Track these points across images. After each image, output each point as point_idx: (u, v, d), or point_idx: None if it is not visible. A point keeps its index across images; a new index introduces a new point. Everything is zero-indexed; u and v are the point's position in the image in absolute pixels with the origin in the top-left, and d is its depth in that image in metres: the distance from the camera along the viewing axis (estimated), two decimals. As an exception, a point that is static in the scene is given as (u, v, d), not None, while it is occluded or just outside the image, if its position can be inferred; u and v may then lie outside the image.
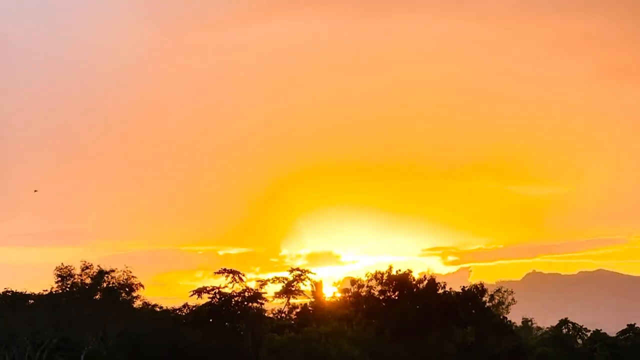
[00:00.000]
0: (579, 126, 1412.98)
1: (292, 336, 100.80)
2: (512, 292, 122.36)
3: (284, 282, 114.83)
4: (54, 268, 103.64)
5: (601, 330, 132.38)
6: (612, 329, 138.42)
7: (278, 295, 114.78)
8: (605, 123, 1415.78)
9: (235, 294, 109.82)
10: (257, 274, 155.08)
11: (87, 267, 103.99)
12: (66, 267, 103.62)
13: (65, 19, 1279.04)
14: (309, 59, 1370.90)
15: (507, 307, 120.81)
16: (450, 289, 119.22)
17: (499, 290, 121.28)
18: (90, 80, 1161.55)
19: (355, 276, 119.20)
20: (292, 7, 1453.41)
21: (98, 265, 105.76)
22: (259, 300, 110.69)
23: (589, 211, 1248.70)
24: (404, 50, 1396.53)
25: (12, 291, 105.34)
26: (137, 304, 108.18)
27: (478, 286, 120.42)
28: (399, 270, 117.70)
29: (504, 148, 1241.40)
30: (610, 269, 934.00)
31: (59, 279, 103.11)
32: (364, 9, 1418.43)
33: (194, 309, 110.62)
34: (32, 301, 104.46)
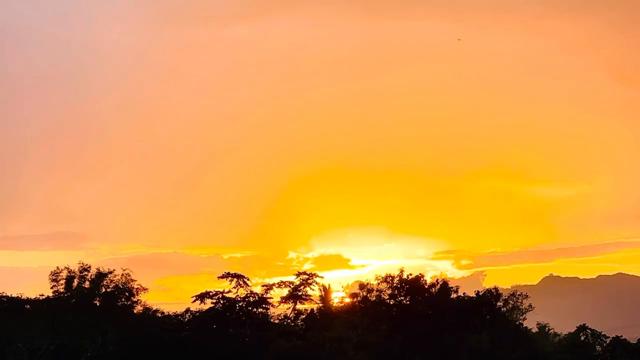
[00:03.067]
0: (596, 127, 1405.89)
1: (296, 343, 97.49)
2: (526, 296, 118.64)
3: (290, 286, 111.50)
4: (49, 272, 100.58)
5: (621, 336, 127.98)
6: (633, 335, 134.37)
7: (284, 300, 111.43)
8: (624, 123, 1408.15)
9: (239, 298, 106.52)
10: (263, 278, 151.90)
11: (85, 270, 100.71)
12: (62, 270, 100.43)
13: (67, 16, 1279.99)
14: (317, 58, 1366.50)
15: (524, 313, 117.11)
16: (464, 293, 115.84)
17: (513, 295, 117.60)
18: (92, 80, 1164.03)
19: (365, 280, 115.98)
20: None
21: (97, 268, 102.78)
22: (264, 306, 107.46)
23: (608, 213, 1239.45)
24: (415, 51, 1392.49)
25: (8, 296, 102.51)
26: (138, 309, 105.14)
27: (493, 291, 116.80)
28: (410, 275, 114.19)
29: (519, 149, 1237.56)
30: (631, 273, 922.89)
31: (54, 283, 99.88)
32: (376, 5, 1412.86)
33: (197, 314, 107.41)
34: (28, 306, 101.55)
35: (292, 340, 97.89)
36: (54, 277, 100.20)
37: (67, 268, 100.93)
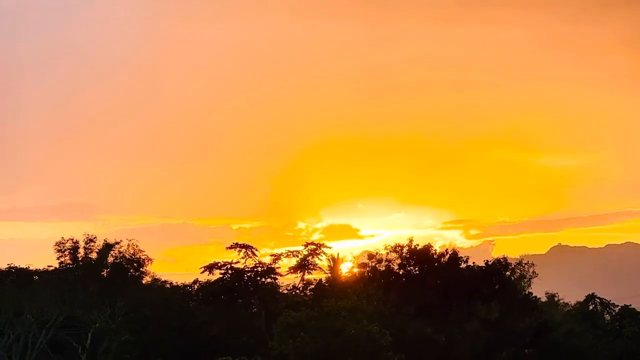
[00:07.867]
0: (605, 97, 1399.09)
1: (308, 312, 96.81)
2: (533, 264, 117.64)
3: (298, 256, 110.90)
4: (54, 243, 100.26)
5: (630, 305, 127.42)
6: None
7: (292, 270, 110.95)
8: (631, 92, 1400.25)
9: (247, 269, 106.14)
10: (272, 248, 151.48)
11: (90, 241, 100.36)
12: (67, 241, 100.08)
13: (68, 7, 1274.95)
14: (325, 31, 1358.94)
15: (529, 280, 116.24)
16: (474, 263, 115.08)
17: (519, 263, 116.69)
18: (101, 54, 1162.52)
19: (374, 250, 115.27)
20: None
21: (105, 239, 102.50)
22: (272, 276, 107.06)
23: (617, 183, 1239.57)
24: (422, 21, 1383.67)
25: (17, 267, 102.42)
26: (146, 280, 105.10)
27: (502, 260, 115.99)
28: (417, 245, 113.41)
29: (528, 118, 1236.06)
30: (639, 242, 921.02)
31: (59, 254, 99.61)
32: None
33: (205, 285, 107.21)
34: (37, 277, 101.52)
35: (301, 310, 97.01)
36: (59, 248, 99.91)
37: (72, 239, 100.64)
